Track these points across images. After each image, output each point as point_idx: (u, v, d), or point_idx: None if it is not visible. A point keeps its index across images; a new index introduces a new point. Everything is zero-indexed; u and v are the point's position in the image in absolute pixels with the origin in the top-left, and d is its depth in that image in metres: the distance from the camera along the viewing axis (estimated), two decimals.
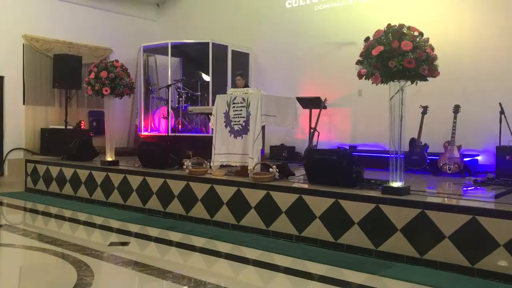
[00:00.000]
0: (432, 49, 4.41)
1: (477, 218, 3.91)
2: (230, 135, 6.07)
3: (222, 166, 6.18)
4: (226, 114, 6.11)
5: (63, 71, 9.64)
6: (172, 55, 10.33)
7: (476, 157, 7.24)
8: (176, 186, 6.13)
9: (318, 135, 7.96)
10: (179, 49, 10.81)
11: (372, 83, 4.51)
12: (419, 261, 4.16)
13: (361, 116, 8.72)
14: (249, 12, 10.43)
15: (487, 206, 4.12)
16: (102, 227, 5.79)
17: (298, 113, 6.37)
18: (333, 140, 8.80)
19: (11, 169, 9.53)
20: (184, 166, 6.18)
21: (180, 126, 9.85)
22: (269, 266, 4.26)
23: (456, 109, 6.81)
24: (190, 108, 9.41)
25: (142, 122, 10.60)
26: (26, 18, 9.77)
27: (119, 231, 5.61)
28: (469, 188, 5.48)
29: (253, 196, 5.36)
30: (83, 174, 7.42)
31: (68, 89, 9.96)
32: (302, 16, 9.62)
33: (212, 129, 6.37)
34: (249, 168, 5.70)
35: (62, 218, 6.38)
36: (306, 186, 5.20)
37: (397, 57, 4.27)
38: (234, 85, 8.57)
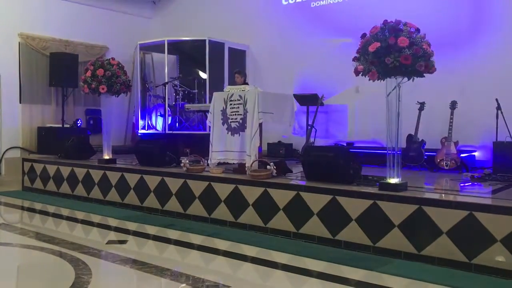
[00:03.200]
0: (429, 45, 4.42)
1: (474, 214, 3.92)
2: (228, 133, 6.06)
3: (219, 164, 6.17)
4: (223, 112, 6.10)
5: (60, 69, 9.63)
6: (168, 53, 10.30)
7: (473, 153, 7.25)
8: (174, 184, 6.12)
9: (316, 132, 7.96)
10: (175, 47, 10.79)
11: (369, 79, 4.51)
12: (416, 257, 4.17)
13: (358, 113, 8.72)
14: (246, 9, 10.41)
15: (484, 201, 4.13)
16: (99, 226, 5.79)
17: (295, 110, 6.36)
18: (330, 137, 8.81)
19: (8, 168, 9.51)
20: (182, 164, 6.18)
21: (177, 124, 9.84)
22: (267, 263, 4.26)
23: (453, 105, 6.82)
24: (187, 105, 9.40)
25: (139, 120, 10.59)
26: (22, 16, 9.73)
27: (116, 229, 5.60)
28: (466, 184, 5.49)
29: (251, 194, 5.36)
30: (80, 172, 7.41)
31: (65, 87, 9.95)
32: (298, 13, 9.61)
33: (209, 126, 6.36)
34: (246, 165, 5.70)
35: (60, 216, 6.37)
36: (303, 183, 5.19)
37: (393, 53, 4.27)
38: (233, 82, 8.56)
